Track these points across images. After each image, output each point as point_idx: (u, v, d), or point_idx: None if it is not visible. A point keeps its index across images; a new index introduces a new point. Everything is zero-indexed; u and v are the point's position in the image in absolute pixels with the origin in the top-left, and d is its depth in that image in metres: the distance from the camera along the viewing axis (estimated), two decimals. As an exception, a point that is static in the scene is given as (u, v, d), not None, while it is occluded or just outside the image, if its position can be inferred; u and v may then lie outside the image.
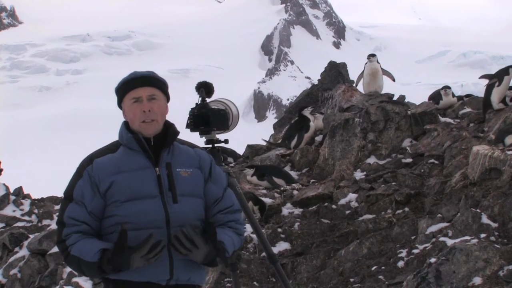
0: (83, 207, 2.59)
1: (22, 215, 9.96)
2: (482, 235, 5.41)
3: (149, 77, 2.73)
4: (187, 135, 3.07)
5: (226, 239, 2.67)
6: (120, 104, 2.77)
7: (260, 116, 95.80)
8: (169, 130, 2.72)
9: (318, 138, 10.45)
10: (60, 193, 9.57)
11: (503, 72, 8.81)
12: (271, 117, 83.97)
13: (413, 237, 6.21)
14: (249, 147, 11.79)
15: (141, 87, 2.69)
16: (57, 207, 10.16)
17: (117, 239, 2.49)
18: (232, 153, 11.60)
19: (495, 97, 8.71)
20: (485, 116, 8.86)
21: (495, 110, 8.73)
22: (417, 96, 18.72)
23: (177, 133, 2.74)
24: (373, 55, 11.32)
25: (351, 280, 5.88)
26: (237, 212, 2.81)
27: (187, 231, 2.52)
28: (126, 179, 2.60)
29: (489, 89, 8.84)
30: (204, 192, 2.73)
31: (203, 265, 2.67)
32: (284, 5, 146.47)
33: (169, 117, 2.80)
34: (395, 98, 10.91)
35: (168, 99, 2.79)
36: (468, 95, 11.43)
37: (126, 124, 2.73)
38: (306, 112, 10.69)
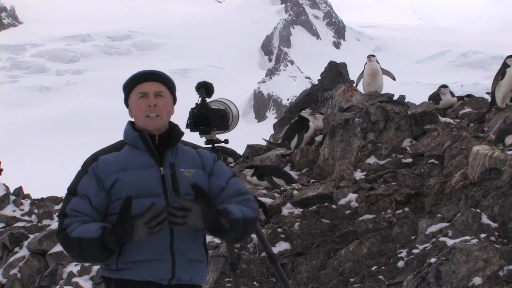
0: (87, 201, 2.59)
1: (22, 215, 9.96)
2: (482, 235, 5.41)
3: (157, 73, 2.77)
4: (187, 135, 3.09)
5: (232, 207, 2.66)
6: (126, 101, 2.78)
7: (260, 116, 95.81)
8: (174, 130, 2.74)
9: (318, 138, 10.46)
10: (60, 193, 9.57)
11: (504, 65, 8.84)
12: (271, 117, 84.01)
13: (413, 237, 6.21)
14: (249, 147, 11.79)
15: (148, 81, 2.72)
16: (57, 207, 10.17)
17: (122, 206, 2.50)
18: (232, 153, 11.61)
19: (499, 92, 8.71)
20: (487, 112, 8.85)
21: (497, 107, 8.74)
22: (417, 96, 18.72)
23: (182, 134, 2.77)
24: (372, 55, 11.34)
25: (351, 280, 5.88)
26: (247, 194, 2.78)
27: (173, 201, 2.53)
28: (131, 177, 2.61)
29: (494, 85, 8.86)
30: (208, 189, 2.73)
31: (210, 233, 2.64)
32: (284, 5, 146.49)
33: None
34: (395, 98, 10.91)
35: (174, 100, 2.81)
36: (468, 95, 11.41)
37: (131, 124, 2.76)
38: (305, 113, 10.71)
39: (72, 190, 2.64)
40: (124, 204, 2.50)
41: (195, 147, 2.84)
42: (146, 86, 2.72)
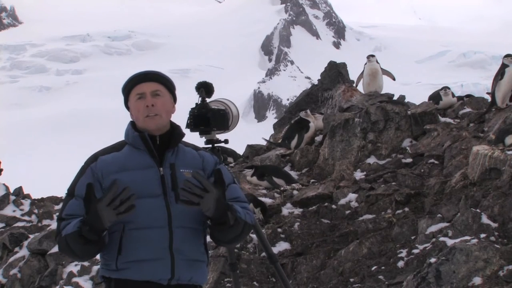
0: (82, 202, 2.58)
1: (22, 215, 9.96)
2: (482, 235, 5.41)
3: (153, 73, 2.77)
4: (186, 135, 3.08)
5: (237, 206, 2.64)
6: (126, 104, 2.78)
7: (260, 116, 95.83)
8: (175, 131, 2.74)
9: (318, 138, 10.46)
10: (60, 193, 9.58)
11: (503, 65, 8.85)
12: (271, 117, 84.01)
13: (413, 237, 6.21)
14: (249, 147, 11.80)
15: (144, 82, 2.72)
16: (57, 207, 10.17)
17: (84, 193, 2.47)
18: (232, 153, 11.61)
19: (499, 92, 8.72)
20: (487, 112, 8.85)
21: (497, 107, 8.74)
22: (417, 96, 18.71)
23: (183, 135, 2.76)
24: (372, 56, 11.34)
25: (351, 280, 5.88)
26: (245, 202, 2.77)
27: (195, 176, 2.48)
28: (130, 177, 2.59)
29: (494, 85, 8.88)
30: None
31: (214, 222, 2.57)
32: (284, 5, 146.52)
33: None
34: (395, 98, 10.92)
35: (174, 98, 2.81)
36: (468, 95, 11.42)
37: (132, 124, 2.75)
38: (302, 114, 10.72)
39: (70, 192, 2.65)
40: (86, 191, 2.47)
41: (196, 148, 2.83)
42: (143, 86, 2.71)
